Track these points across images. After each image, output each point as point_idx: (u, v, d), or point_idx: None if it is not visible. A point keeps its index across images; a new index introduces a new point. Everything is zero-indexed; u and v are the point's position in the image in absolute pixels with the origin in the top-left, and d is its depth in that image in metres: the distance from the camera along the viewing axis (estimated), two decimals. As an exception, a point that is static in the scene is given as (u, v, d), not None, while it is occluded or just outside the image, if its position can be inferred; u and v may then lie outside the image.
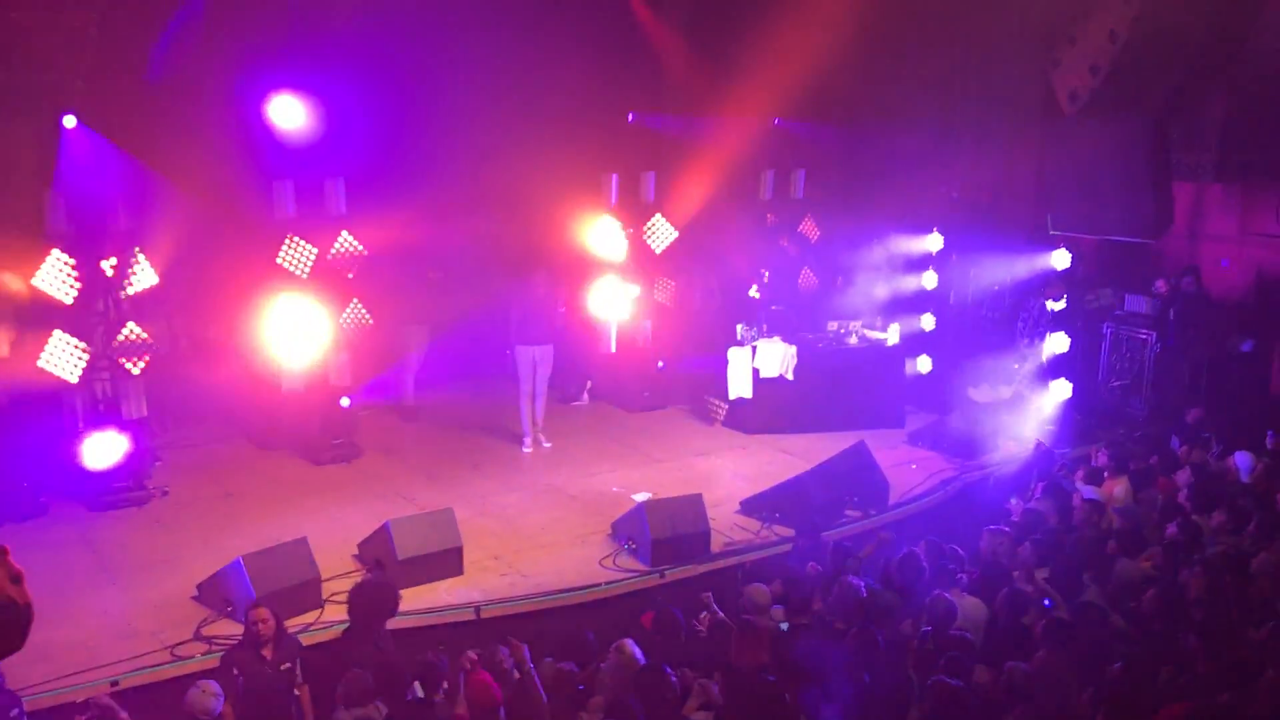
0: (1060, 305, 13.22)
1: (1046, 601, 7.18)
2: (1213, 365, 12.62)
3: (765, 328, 12.58)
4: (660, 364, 13.39)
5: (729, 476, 10.95)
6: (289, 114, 10.47)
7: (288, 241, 10.48)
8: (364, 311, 11.01)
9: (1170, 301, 12.77)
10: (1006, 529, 8.65)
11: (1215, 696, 5.53)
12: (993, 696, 6.00)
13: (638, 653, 6.36)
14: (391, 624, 7.10)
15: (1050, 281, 12.80)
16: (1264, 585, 7.38)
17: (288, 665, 6.62)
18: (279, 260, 10.46)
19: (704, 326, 13.64)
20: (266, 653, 6.53)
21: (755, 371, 12.26)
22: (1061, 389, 12.35)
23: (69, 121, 9.41)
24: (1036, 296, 12.92)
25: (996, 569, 7.73)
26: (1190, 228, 13.90)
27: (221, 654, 6.78)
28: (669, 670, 6.01)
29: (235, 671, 6.34)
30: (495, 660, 6.24)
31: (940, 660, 6.23)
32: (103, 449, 9.65)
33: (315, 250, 10.64)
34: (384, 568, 8.05)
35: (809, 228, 14.01)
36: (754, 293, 13.50)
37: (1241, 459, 10.03)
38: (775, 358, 12.26)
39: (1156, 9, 11.01)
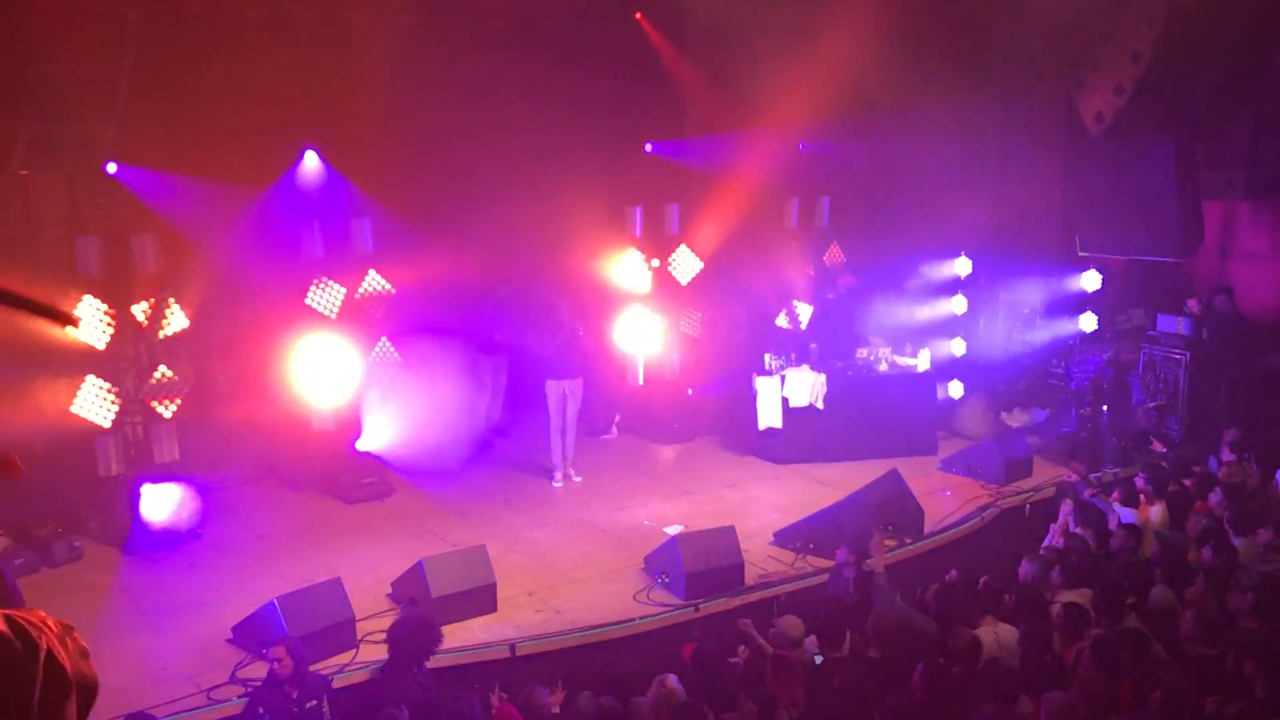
0: (1092, 326, 13.15)
1: None
2: (1249, 383, 12.46)
3: (794, 356, 12.54)
4: (690, 391, 13.36)
5: (761, 508, 10.87)
6: (313, 170, 10.69)
7: (316, 282, 10.56)
8: (392, 349, 11.06)
9: (1204, 320, 12.63)
10: (1044, 555, 8.56)
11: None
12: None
13: (679, 687, 6.30)
14: (428, 662, 7.07)
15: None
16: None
17: (314, 703, 6.60)
18: (308, 301, 10.54)
19: (732, 357, 13.60)
20: (292, 691, 6.52)
21: (785, 401, 12.20)
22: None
23: (110, 169, 9.57)
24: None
25: (1033, 595, 7.62)
26: (1221, 246, 13.78)
27: (244, 696, 6.77)
28: (708, 710, 5.95)
29: (261, 710, 6.32)
30: (534, 700, 6.19)
31: (982, 689, 6.14)
32: (159, 499, 9.74)
33: (344, 290, 10.71)
34: (418, 606, 8.03)
35: (835, 255, 13.97)
36: (782, 321, 13.48)
37: (1283, 479, 9.88)
38: (804, 387, 12.20)
39: (1178, 29, 10.97)
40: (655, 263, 12.94)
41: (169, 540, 9.78)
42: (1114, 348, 12.87)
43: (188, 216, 9.91)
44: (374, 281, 10.96)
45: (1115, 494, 9.91)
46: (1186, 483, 10.06)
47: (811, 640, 7.29)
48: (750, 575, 9.03)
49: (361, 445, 10.98)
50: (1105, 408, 12.30)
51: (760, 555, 9.49)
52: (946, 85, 13.04)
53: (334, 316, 10.65)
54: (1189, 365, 12.41)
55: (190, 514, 10.00)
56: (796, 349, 12.73)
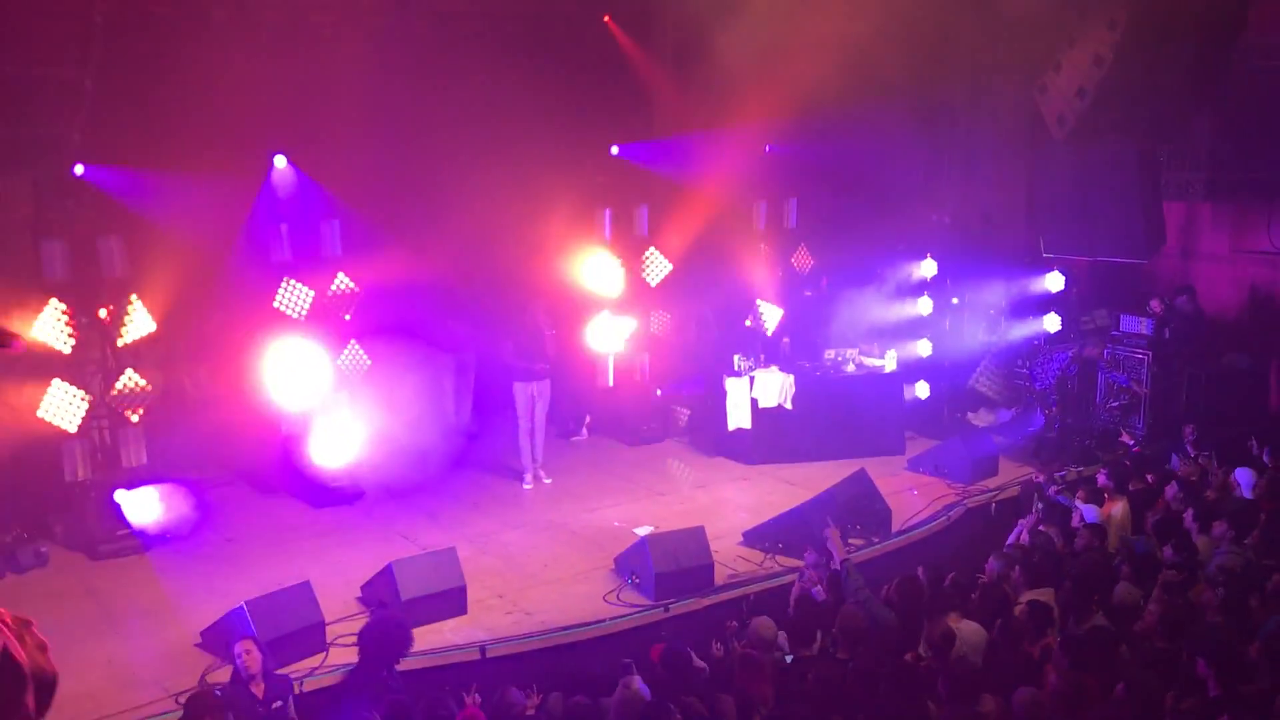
0: (1056, 326, 13.30)
1: None
2: (1210, 383, 12.65)
3: (763, 358, 12.61)
4: (659, 392, 13.40)
5: (731, 508, 10.93)
6: (281, 172, 10.68)
7: (284, 284, 10.53)
8: (361, 351, 11.04)
9: (1166, 320, 12.81)
10: (1009, 553, 8.66)
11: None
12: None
13: (644, 689, 6.34)
14: (399, 665, 7.08)
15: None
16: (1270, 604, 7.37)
17: (279, 704, 6.61)
18: (276, 304, 10.51)
19: (701, 358, 13.66)
20: (257, 690, 6.53)
21: (754, 402, 12.27)
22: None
23: (78, 170, 9.51)
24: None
25: (998, 593, 7.71)
26: (1183, 247, 14.00)
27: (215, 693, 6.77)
28: (673, 708, 5.99)
29: (228, 713, 6.30)
30: (507, 701, 6.21)
31: (946, 687, 6.21)
32: (143, 503, 9.72)
33: (312, 292, 10.69)
34: (388, 608, 8.03)
35: (802, 257, 14.06)
36: (751, 323, 13.56)
37: (1243, 475, 10.03)
38: (773, 388, 12.28)
39: (1140, 33, 11.11)
40: (624, 264, 12.98)
41: (132, 543, 9.74)
42: (1077, 344, 13.03)
43: (156, 215, 9.82)
44: (343, 284, 10.94)
45: (1079, 492, 10.04)
46: (1149, 479, 10.21)
47: (783, 639, 7.35)
48: (720, 575, 9.09)
49: (329, 460, 10.92)
50: (1064, 407, 12.48)
51: (730, 555, 9.55)
52: (912, 87, 13.16)
53: (302, 319, 10.62)
54: (1151, 365, 12.59)
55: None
56: (765, 350, 12.82)
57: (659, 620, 8.54)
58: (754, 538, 9.86)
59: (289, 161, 10.83)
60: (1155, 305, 12.98)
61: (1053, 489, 10.45)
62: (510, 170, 11.68)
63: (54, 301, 9.37)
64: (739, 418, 12.36)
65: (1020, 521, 9.72)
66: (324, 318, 10.83)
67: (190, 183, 9.75)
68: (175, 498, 10.01)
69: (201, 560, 9.66)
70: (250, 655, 6.61)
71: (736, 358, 12.58)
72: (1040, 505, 9.94)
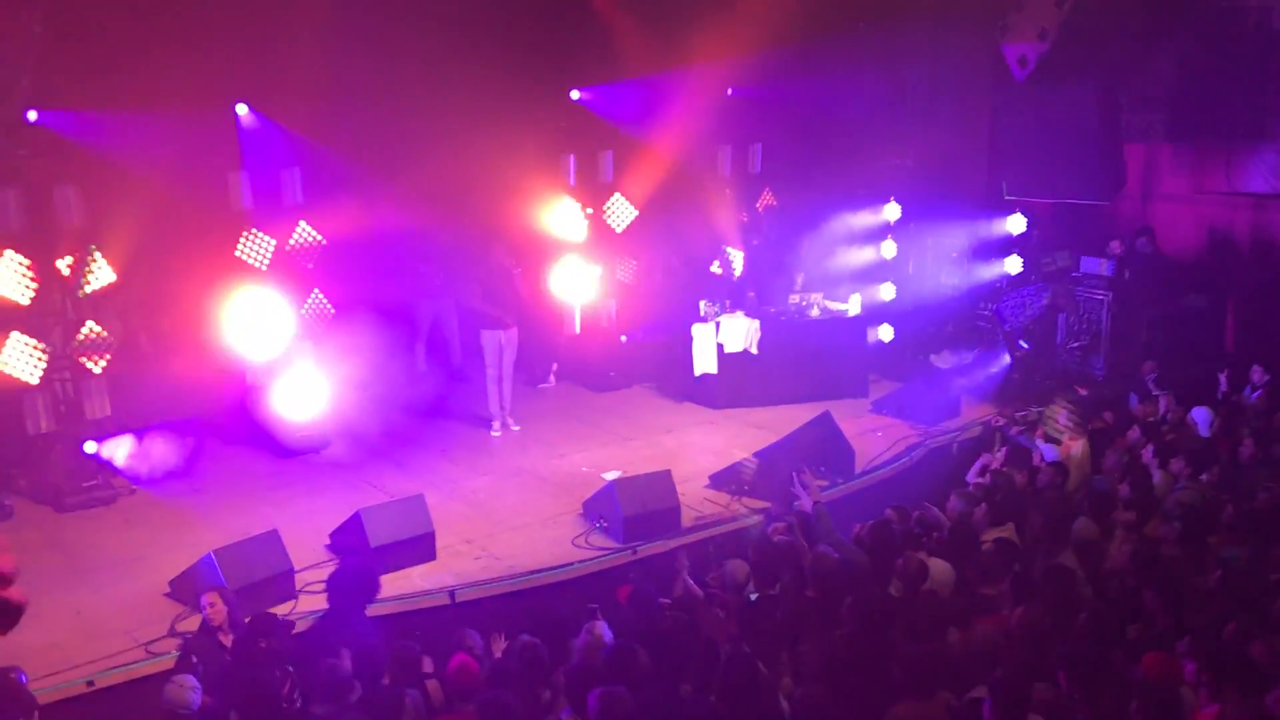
0: (1018, 268, 13.40)
1: None
2: (1168, 323, 12.82)
3: (728, 303, 12.65)
4: (624, 338, 13.42)
5: (697, 451, 11.02)
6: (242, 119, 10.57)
7: (246, 234, 10.43)
8: (325, 300, 10.98)
9: (1126, 262, 12.94)
10: (973, 492, 8.80)
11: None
12: (967, 656, 6.10)
13: (606, 633, 6.42)
14: (368, 611, 7.13)
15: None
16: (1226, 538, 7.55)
17: (264, 644, 6.64)
18: (238, 253, 10.41)
19: (667, 304, 13.68)
20: (225, 639, 6.56)
21: (720, 347, 12.33)
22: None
23: (31, 116, 9.31)
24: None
25: (964, 531, 7.85)
26: (1143, 188, 14.09)
27: (180, 644, 6.80)
28: (638, 649, 6.07)
29: (195, 660, 6.34)
30: (467, 644, 6.28)
31: (915, 622, 6.33)
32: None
33: (274, 241, 10.60)
34: (357, 555, 8.07)
35: (767, 201, 14.06)
36: (717, 268, 13.58)
37: (1200, 414, 10.22)
38: (739, 333, 12.33)
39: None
40: (589, 211, 12.93)
41: (98, 495, 9.72)
42: (1050, 292, 13.11)
43: (115, 161, 9.62)
44: (305, 232, 10.85)
45: (1039, 431, 10.20)
46: (1108, 418, 10.39)
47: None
48: (687, 518, 9.18)
49: (294, 411, 10.88)
50: (1029, 347, 12.62)
51: (696, 498, 9.65)
52: (875, 29, 13.12)
53: (264, 268, 10.53)
54: (1111, 305, 12.73)
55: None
56: (731, 296, 12.85)
57: (627, 563, 8.63)
58: (720, 480, 9.96)
59: (250, 108, 10.66)
60: (1115, 246, 13.09)
61: (1013, 429, 10.62)
62: (472, 116, 11.53)
63: (10, 252, 9.25)
64: (705, 363, 12.42)
65: (980, 458, 9.87)
66: (287, 267, 10.74)
67: (148, 126, 9.55)
68: (160, 442, 10.00)
69: (169, 511, 9.65)
70: (215, 607, 6.63)
71: (703, 303, 12.60)
72: (1002, 445, 10.10)
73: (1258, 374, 11.05)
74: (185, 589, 7.76)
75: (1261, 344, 12.70)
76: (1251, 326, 13.17)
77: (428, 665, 6.43)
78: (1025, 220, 13.59)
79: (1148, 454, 9.23)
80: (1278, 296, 12.99)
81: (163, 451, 10.18)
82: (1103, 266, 12.93)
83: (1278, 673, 5.52)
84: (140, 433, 10.12)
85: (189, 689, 5.84)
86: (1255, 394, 10.83)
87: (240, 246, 10.42)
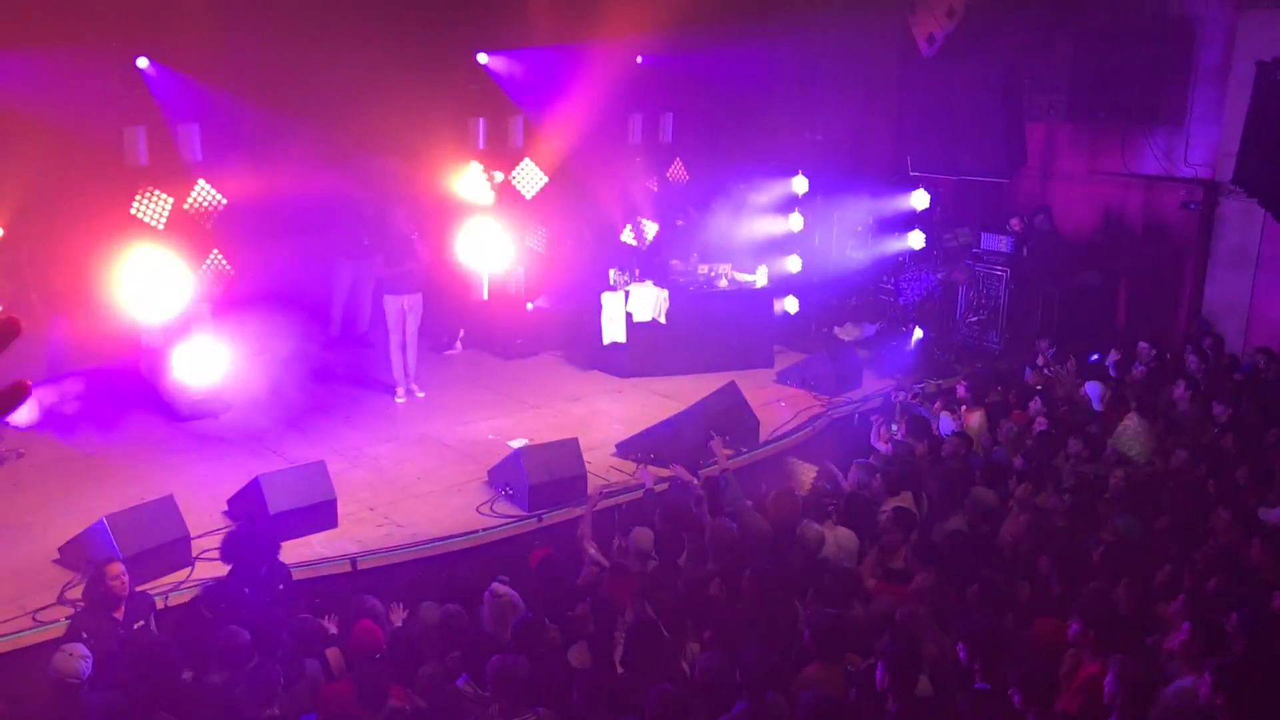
0: (921, 243, 13.65)
1: None
2: (1064, 299, 13.19)
3: (637, 272, 12.66)
4: (530, 305, 13.34)
5: (605, 420, 11.04)
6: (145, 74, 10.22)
7: (142, 192, 10.11)
8: (224, 261, 10.72)
9: (1024, 239, 13.27)
10: (872, 462, 8.98)
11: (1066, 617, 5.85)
12: (870, 622, 6.24)
13: (515, 597, 6.42)
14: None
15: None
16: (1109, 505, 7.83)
17: (141, 623, 6.50)
18: (133, 211, 10.09)
19: (576, 272, 13.63)
20: (117, 613, 6.39)
21: (628, 316, 12.34)
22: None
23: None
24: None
25: (862, 500, 8.01)
26: (1043, 167, 14.46)
27: (68, 620, 6.61)
28: (546, 621, 6.10)
29: (85, 635, 6.16)
30: (367, 607, 6.23)
31: (819, 590, 6.45)
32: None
33: (171, 199, 10.29)
34: (253, 520, 7.93)
35: (678, 171, 14.08)
36: (627, 237, 13.57)
37: (1092, 388, 10.56)
38: (648, 302, 12.35)
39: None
40: (499, 176, 12.81)
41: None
42: (945, 268, 13.40)
43: (4, 107, 9.23)
44: (204, 191, 10.55)
45: (937, 403, 10.43)
46: (1001, 390, 10.67)
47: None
48: (593, 486, 9.19)
49: (192, 374, 10.61)
50: (925, 323, 12.90)
51: (603, 466, 9.67)
52: (785, 4, 13.18)
53: (161, 227, 10.23)
54: (1009, 281, 13.05)
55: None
56: (640, 265, 12.86)
57: (532, 530, 8.62)
58: (627, 449, 9.99)
59: (151, 61, 10.31)
60: (1015, 224, 13.42)
61: (910, 399, 10.85)
62: (378, 75, 11.32)
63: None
64: (614, 331, 12.42)
65: (874, 419, 10.08)
66: (185, 226, 10.44)
67: (40, 70, 9.16)
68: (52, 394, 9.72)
69: (59, 475, 9.34)
70: (120, 580, 6.45)
71: (612, 272, 12.60)
72: (901, 415, 10.32)
73: (1144, 350, 11.45)
74: (75, 556, 7.54)
75: (1150, 321, 13.17)
76: (1141, 304, 13.64)
77: (332, 627, 6.38)
78: (929, 196, 13.84)
79: (1040, 425, 9.51)
80: (1166, 276, 13.47)
81: (54, 403, 9.86)
82: (1002, 243, 13.25)
83: (1157, 635, 5.77)
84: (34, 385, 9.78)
85: (79, 658, 5.69)
86: (1141, 369, 11.21)
87: (136, 204, 10.10)
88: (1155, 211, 13.70)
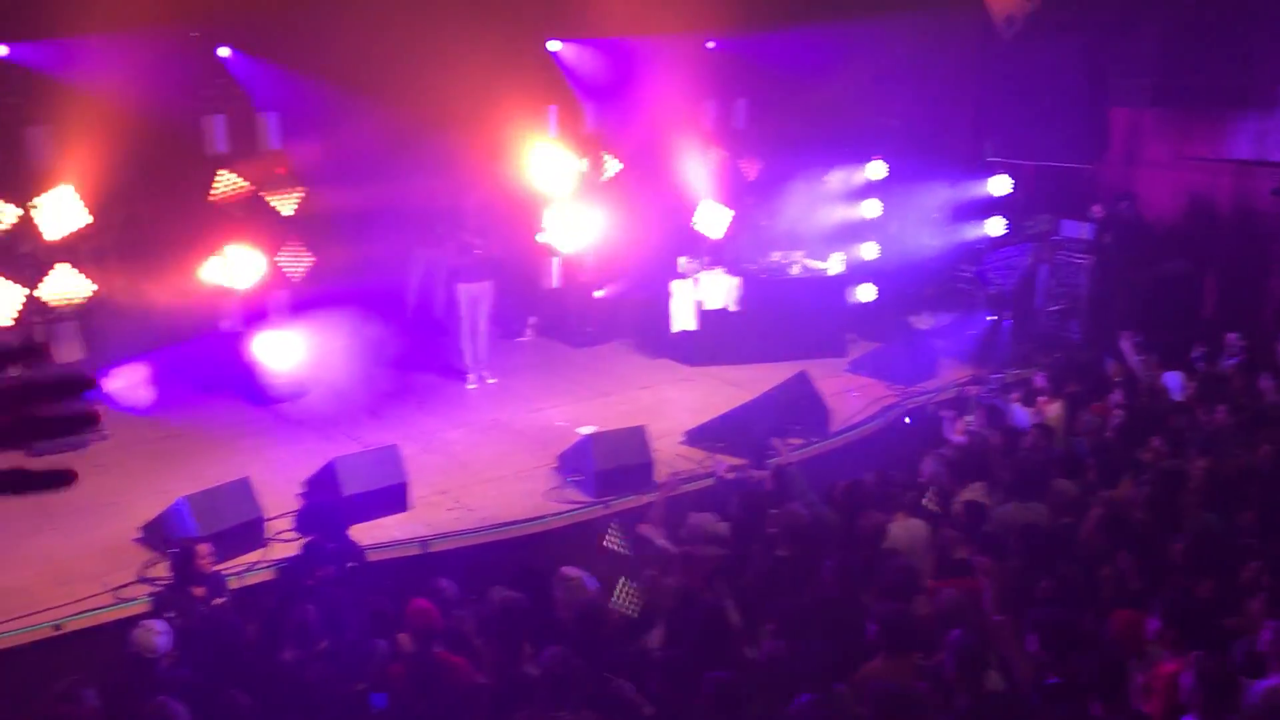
0: (1000, 230, 13.39)
1: None
2: (1147, 288, 12.84)
3: (708, 260, 12.59)
4: (598, 293, 13.30)
5: (673, 408, 11.01)
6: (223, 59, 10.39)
7: (221, 179, 10.29)
8: (301, 248, 10.87)
9: (1106, 226, 12.93)
10: (944, 453, 8.83)
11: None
12: (937, 618, 6.14)
13: (586, 579, 6.42)
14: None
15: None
16: (1191, 499, 7.60)
17: (221, 600, 6.65)
18: (213, 198, 10.27)
19: (647, 259, 13.59)
20: (198, 591, 6.54)
21: (699, 304, 12.29)
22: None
23: (1, 50, 9.11)
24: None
25: (938, 492, 7.87)
26: (1127, 152, 14.06)
27: (152, 597, 6.78)
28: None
29: (170, 613, 6.32)
30: (436, 590, 6.28)
31: (887, 582, 6.36)
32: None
33: (250, 187, 10.46)
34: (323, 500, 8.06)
35: (751, 158, 13.96)
36: (698, 224, 13.47)
37: (1171, 379, 10.26)
38: (718, 289, 12.29)
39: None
40: (572, 163, 12.80)
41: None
42: (1033, 253, 13.06)
43: (87, 97, 9.43)
44: (282, 179, 10.70)
45: (1015, 394, 10.23)
46: (1081, 381, 10.42)
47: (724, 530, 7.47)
48: (660, 474, 9.17)
49: (271, 359, 10.81)
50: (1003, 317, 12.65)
51: (670, 454, 9.64)
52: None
53: (240, 215, 10.39)
54: (1091, 269, 12.74)
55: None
56: (711, 252, 12.79)
57: (599, 516, 8.64)
58: (695, 437, 9.96)
59: (232, 49, 10.47)
60: (1097, 210, 13.09)
61: (987, 390, 10.65)
62: (452, 61, 11.38)
63: (-19, 193, 9.09)
64: (683, 319, 12.38)
65: (943, 415, 9.90)
66: (262, 214, 10.60)
67: (121, 59, 9.34)
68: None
69: (142, 457, 9.59)
70: (209, 559, 6.64)
71: (682, 259, 12.54)
72: (976, 407, 10.13)
73: (1233, 341, 11.09)
74: (155, 535, 7.73)
75: (1239, 311, 12.76)
76: (1230, 293, 13.22)
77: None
78: (1009, 181, 13.56)
79: (1116, 418, 9.27)
80: (1256, 264, 13.04)
81: (137, 387, 10.13)
82: (1083, 230, 12.93)
83: (1241, 633, 5.58)
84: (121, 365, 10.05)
85: (156, 633, 5.83)
86: (1231, 361, 10.87)
87: (215, 192, 10.27)
88: (1245, 198, 13.25)
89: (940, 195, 13.71)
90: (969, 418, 9.94)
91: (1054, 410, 9.81)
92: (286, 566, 7.28)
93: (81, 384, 1.24)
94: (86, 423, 1.26)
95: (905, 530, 7.39)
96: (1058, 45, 12.09)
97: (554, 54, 12.75)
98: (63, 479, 1.27)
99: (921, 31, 13.70)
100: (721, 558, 7.02)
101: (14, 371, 1.25)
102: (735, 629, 6.06)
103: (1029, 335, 12.82)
